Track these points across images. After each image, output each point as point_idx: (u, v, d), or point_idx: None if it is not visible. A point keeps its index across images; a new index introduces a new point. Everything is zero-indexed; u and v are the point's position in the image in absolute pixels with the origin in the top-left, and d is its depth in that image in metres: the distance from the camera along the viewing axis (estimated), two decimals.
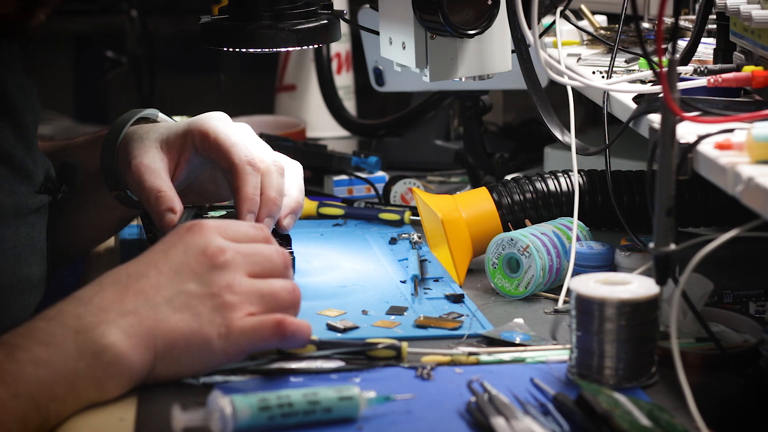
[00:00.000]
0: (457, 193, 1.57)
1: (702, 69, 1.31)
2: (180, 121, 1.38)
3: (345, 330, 1.24)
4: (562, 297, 1.33)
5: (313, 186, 1.81)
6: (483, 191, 1.47)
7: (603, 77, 1.45)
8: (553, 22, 1.47)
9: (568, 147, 1.43)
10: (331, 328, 1.25)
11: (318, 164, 1.82)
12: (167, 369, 1.08)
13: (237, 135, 1.33)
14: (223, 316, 1.08)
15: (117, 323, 1.06)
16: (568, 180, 1.48)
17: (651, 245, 1.06)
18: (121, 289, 1.08)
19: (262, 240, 1.15)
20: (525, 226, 1.43)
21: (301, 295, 1.13)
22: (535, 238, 1.35)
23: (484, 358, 1.18)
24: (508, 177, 1.53)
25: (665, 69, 1.02)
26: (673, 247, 1.06)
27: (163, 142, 1.34)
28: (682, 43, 1.41)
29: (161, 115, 1.43)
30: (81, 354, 1.04)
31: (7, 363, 1.02)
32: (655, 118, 1.20)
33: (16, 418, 1.00)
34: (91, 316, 1.06)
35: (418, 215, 1.55)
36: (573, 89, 1.44)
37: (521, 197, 1.47)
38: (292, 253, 1.41)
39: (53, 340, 1.04)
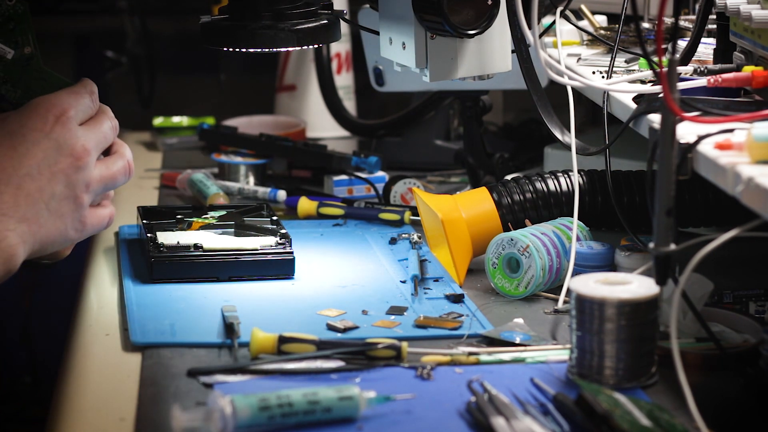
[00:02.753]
0: (457, 193, 1.57)
1: (702, 69, 1.31)
2: None
3: (345, 330, 1.24)
4: (562, 297, 1.33)
5: (313, 186, 1.82)
6: (483, 191, 1.47)
7: (603, 77, 1.45)
8: (553, 22, 1.47)
9: (568, 147, 1.43)
10: (331, 328, 1.25)
11: (318, 164, 1.82)
12: (34, 254, 1.21)
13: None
14: (81, 215, 1.22)
15: (16, 231, 1.17)
16: (568, 180, 1.48)
17: (651, 245, 1.06)
18: (15, 191, 1.18)
19: (105, 118, 1.27)
20: (525, 226, 1.43)
21: (133, 170, 1.28)
22: (535, 238, 1.36)
23: (484, 358, 1.18)
24: (508, 177, 1.53)
25: (665, 69, 1.02)
26: (673, 247, 1.06)
27: None
28: (682, 43, 1.41)
29: None
30: None
31: None
32: (655, 118, 1.20)
33: None
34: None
35: (418, 215, 1.55)
36: (573, 89, 1.44)
37: (521, 197, 1.47)
38: (291, 253, 1.41)
39: None
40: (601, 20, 1.74)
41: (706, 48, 1.41)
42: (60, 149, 1.20)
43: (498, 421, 1.03)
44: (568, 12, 1.59)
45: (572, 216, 1.40)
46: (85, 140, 1.22)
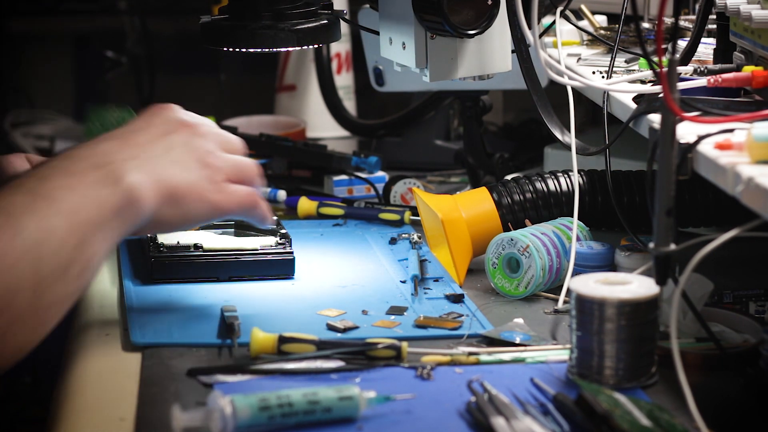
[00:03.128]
0: (457, 193, 1.57)
1: (702, 69, 1.31)
2: None
3: (345, 330, 1.24)
4: (562, 297, 1.33)
5: (313, 186, 1.81)
6: (483, 191, 1.47)
7: (603, 77, 1.45)
8: (553, 22, 1.47)
9: (568, 147, 1.43)
10: (331, 328, 1.25)
11: (318, 164, 1.82)
12: (171, 212, 1.16)
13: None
14: (210, 176, 1.19)
15: (128, 163, 1.12)
16: (568, 180, 1.48)
17: (651, 245, 1.06)
18: (120, 141, 1.14)
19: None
20: (525, 226, 1.43)
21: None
22: (535, 238, 1.35)
23: (484, 358, 1.18)
24: (508, 177, 1.53)
25: (665, 69, 1.02)
26: (673, 247, 1.06)
27: None
28: (682, 43, 1.41)
29: None
30: (104, 182, 1.09)
31: (40, 187, 1.06)
32: (655, 118, 1.20)
33: (58, 238, 1.04)
34: (102, 157, 1.11)
35: (418, 215, 1.55)
36: (573, 89, 1.44)
37: (521, 197, 1.47)
38: (291, 253, 1.41)
39: (77, 171, 1.09)
40: (601, 20, 1.74)
41: (706, 48, 1.41)
42: (168, 122, 1.19)
43: (498, 421, 1.03)
44: (568, 12, 1.59)
45: (572, 216, 1.40)
46: (196, 119, 1.21)
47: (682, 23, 1.55)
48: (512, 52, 1.42)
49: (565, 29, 1.68)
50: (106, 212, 1.09)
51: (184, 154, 1.17)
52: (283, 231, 1.45)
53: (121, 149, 1.13)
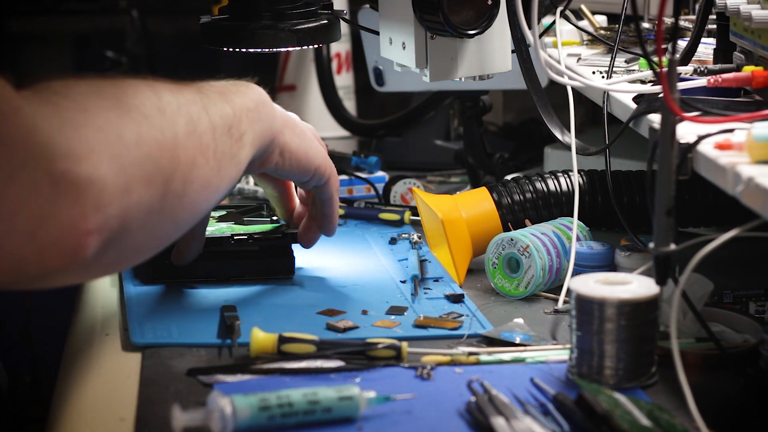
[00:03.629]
0: (457, 193, 1.57)
1: (702, 69, 1.31)
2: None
3: (345, 330, 1.24)
4: (562, 297, 1.33)
5: None
6: (483, 191, 1.47)
7: (603, 77, 1.45)
8: (553, 22, 1.47)
9: (568, 147, 1.43)
10: (331, 328, 1.25)
11: None
12: (293, 140, 1.28)
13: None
14: (299, 130, 1.31)
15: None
16: (568, 180, 1.48)
17: (651, 245, 1.06)
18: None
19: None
20: (525, 226, 1.43)
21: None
22: (535, 238, 1.35)
23: (484, 358, 1.18)
24: (508, 177, 1.53)
25: (665, 69, 1.02)
26: (673, 247, 1.06)
27: None
28: (682, 43, 1.41)
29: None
30: (239, 85, 1.22)
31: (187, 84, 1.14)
32: (655, 118, 1.20)
33: (225, 125, 1.14)
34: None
35: (418, 215, 1.55)
36: (573, 89, 1.44)
37: (521, 197, 1.47)
38: (292, 252, 1.41)
39: (223, 89, 1.19)
40: (601, 20, 1.74)
41: (706, 48, 1.41)
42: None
43: (498, 421, 1.03)
44: (568, 12, 1.59)
45: (572, 216, 1.40)
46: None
47: (682, 23, 1.55)
48: (512, 52, 1.42)
49: (565, 29, 1.69)
50: (248, 101, 1.20)
51: (298, 118, 1.32)
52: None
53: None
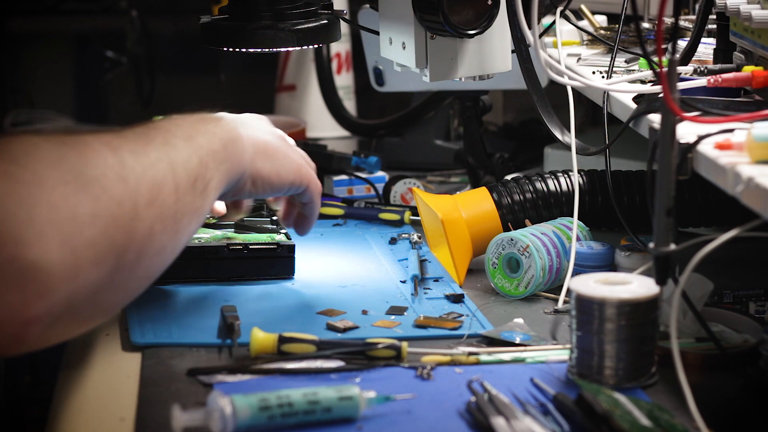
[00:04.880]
0: (457, 193, 1.57)
1: (702, 69, 1.31)
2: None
3: (345, 330, 1.24)
4: (562, 297, 1.33)
5: None
6: (483, 191, 1.47)
7: (603, 77, 1.45)
8: (553, 22, 1.47)
9: (568, 147, 1.43)
10: (331, 328, 1.25)
11: (318, 164, 1.81)
12: (265, 165, 1.27)
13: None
14: (293, 148, 1.33)
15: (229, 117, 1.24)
16: (568, 180, 1.48)
17: (651, 245, 1.06)
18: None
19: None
20: (525, 226, 1.43)
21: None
22: (535, 238, 1.35)
23: (484, 358, 1.18)
24: (508, 177, 1.53)
25: (665, 69, 1.02)
26: (673, 247, 1.06)
27: None
28: (682, 43, 1.41)
29: None
30: (208, 120, 1.20)
31: (153, 126, 1.13)
32: (655, 118, 1.20)
33: (184, 153, 1.12)
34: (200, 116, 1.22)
35: (418, 215, 1.55)
36: (573, 89, 1.44)
37: (521, 197, 1.47)
38: (292, 252, 1.41)
39: (183, 119, 1.18)
40: (601, 20, 1.74)
41: (706, 48, 1.41)
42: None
43: (498, 421, 1.03)
44: (568, 12, 1.59)
45: (572, 216, 1.40)
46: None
47: (682, 23, 1.55)
48: (512, 52, 1.42)
49: (565, 29, 1.69)
50: (216, 141, 1.18)
51: (272, 133, 1.31)
52: (283, 231, 1.45)
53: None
